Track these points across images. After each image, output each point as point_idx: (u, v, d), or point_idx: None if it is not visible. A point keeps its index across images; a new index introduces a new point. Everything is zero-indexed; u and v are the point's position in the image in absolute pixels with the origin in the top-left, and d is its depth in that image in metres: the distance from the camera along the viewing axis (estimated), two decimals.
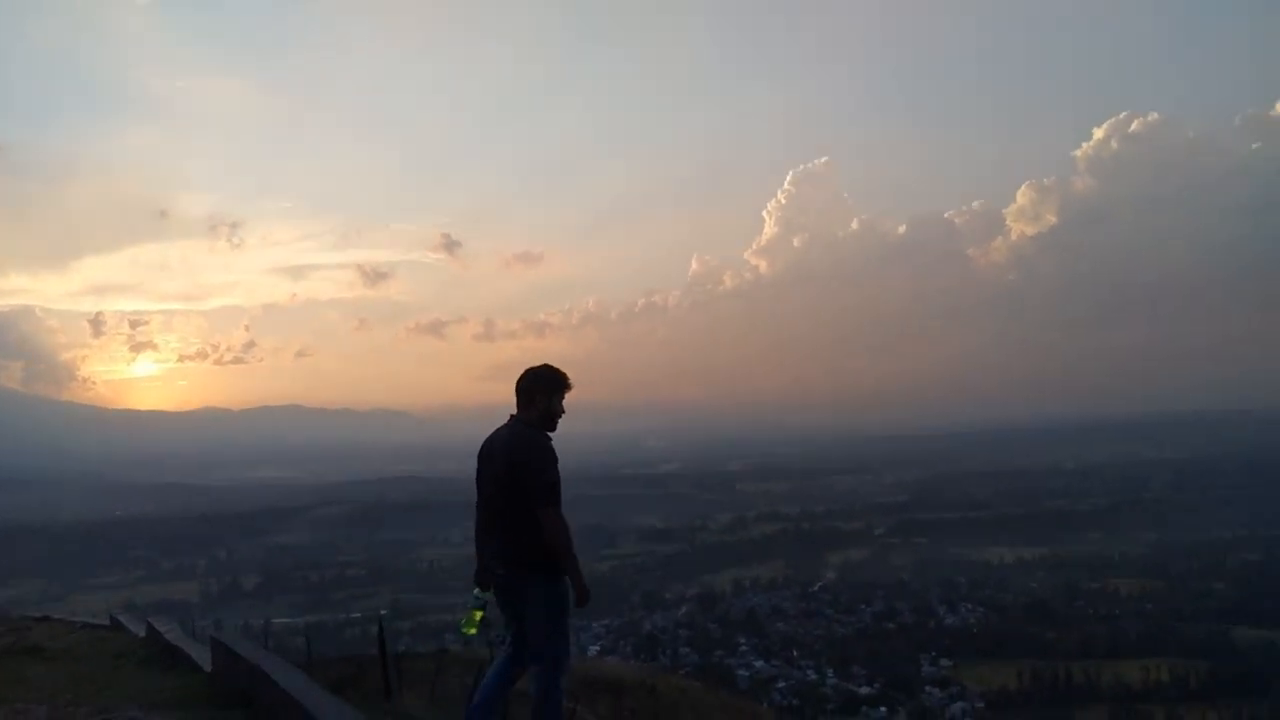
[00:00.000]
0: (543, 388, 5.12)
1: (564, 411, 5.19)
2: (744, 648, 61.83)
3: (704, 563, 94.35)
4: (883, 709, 50.20)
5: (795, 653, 60.22)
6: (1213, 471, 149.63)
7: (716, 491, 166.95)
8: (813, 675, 55.80)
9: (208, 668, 9.45)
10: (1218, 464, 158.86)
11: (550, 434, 5.10)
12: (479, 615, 5.04)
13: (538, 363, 5.17)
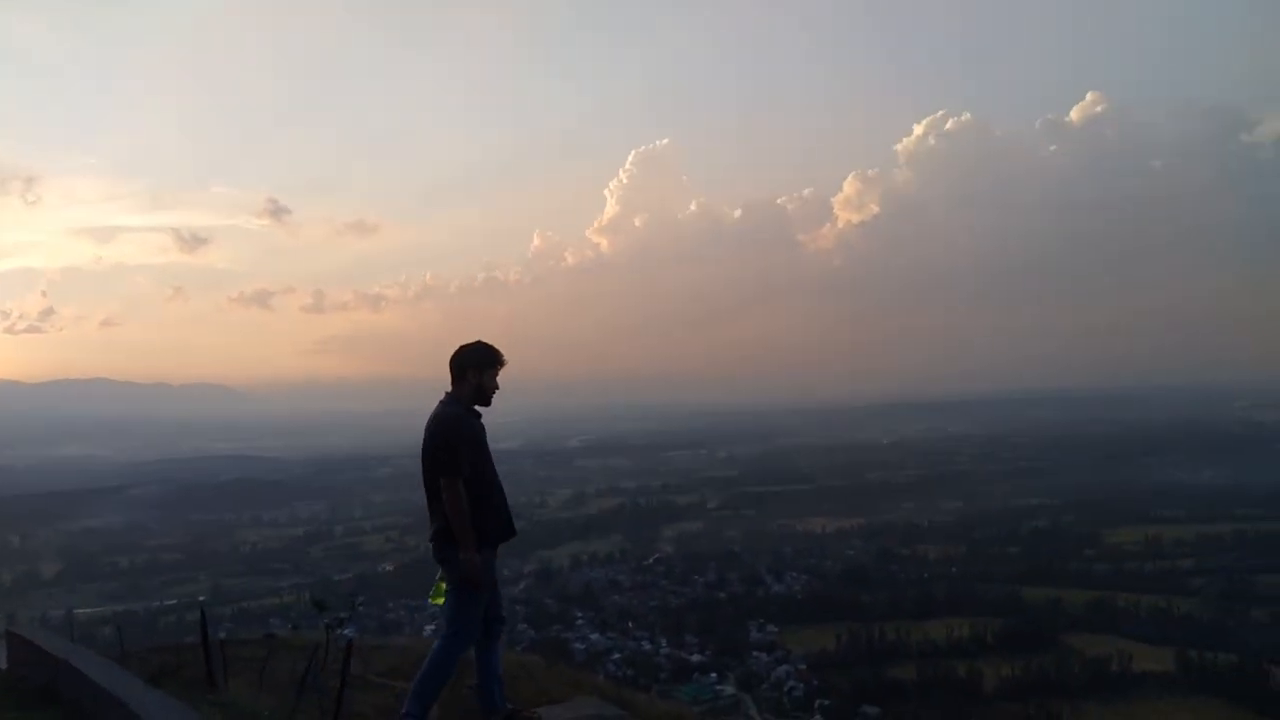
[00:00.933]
0: (473, 364, 5.22)
1: (497, 387, 5.32)
2: (581, 621, 62.58)
3: (542, 539, 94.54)
4: (713, 675, 52.16)
5: (630, 624, 61.49)
6: (1013, 446, 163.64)
7: (556, 468, 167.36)
8: (647, 645, 57.20)
9: (1, 665, 8.73)
10: (1017, 439, 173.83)
11: (483, 408, 5.31)
12: (443, 586, 5.32)
13: (468, 339, 5.30)
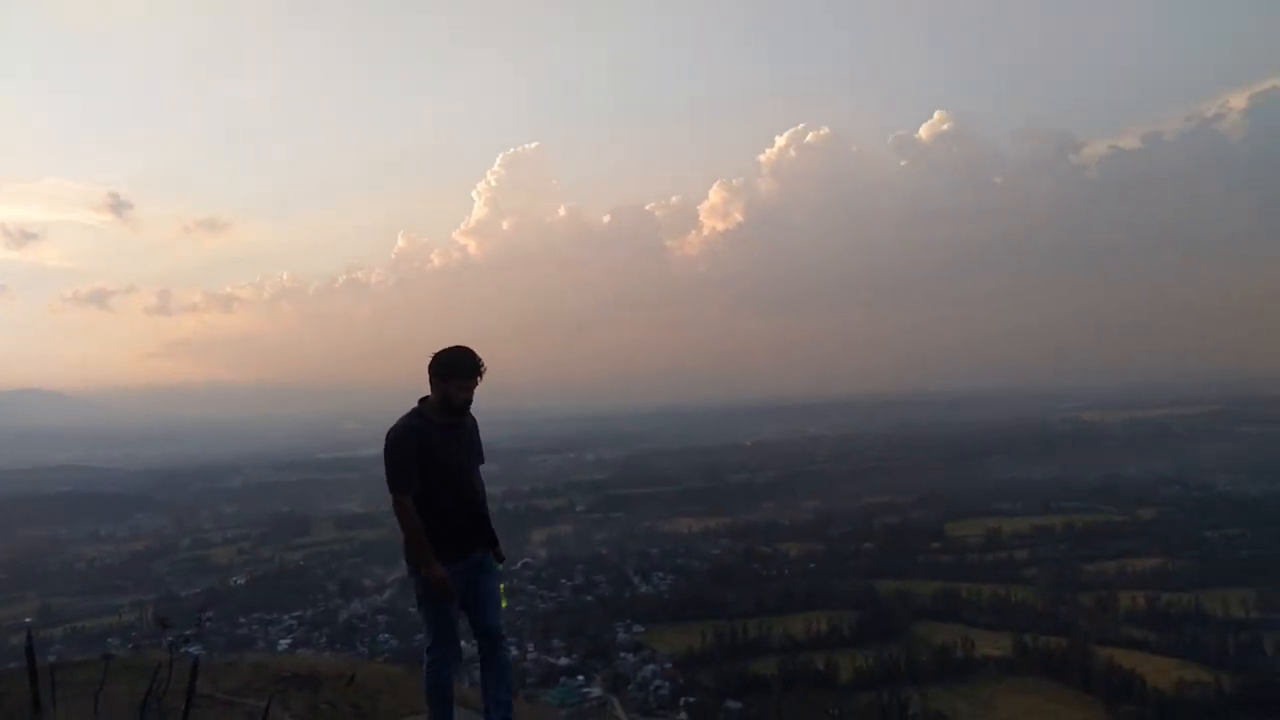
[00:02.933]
0: (435, 373, 5.10)
1: (466, 398, 5.14)
2: None
3: None
4: (580, 677, 52.16)
5: None
6: (866, 446, 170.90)
7: None
8: (515, 651, 56.62)
9: None
10: (869, 440, 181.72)
11: (453, 418, 5.16)
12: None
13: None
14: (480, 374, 5.11)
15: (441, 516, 5.13)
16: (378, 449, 5.23)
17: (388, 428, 5.12)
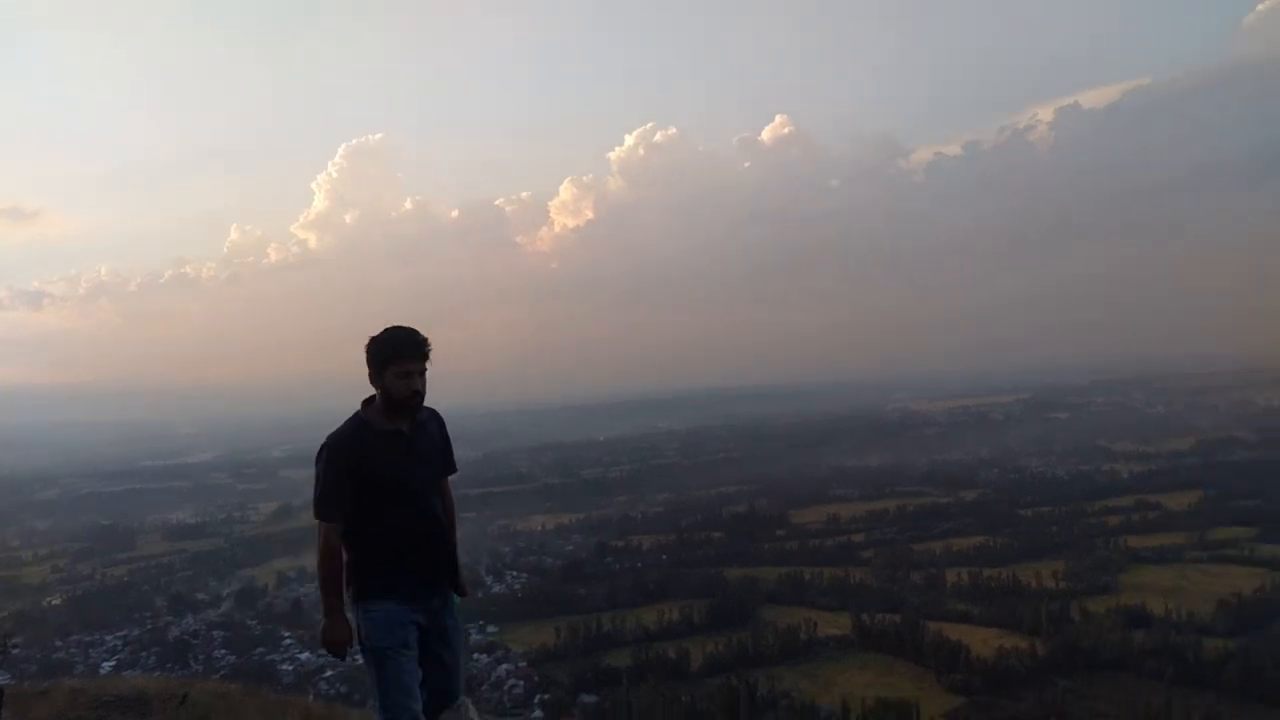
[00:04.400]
0: (371, 362, 4.14)
1: (411, 389, 4.12)
2: (288, 641, 58.76)
3: (243, 557, 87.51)
4: None
5: None
6: (713, 439, 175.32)
7: (258, 480, 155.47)
8: (360, 660, 54.81)
9: None
10: (717, 432, 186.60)
11: (401, 419, 4.18)
12: None
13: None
14: (425, 355, 4.13)
15: (392, 547, 4.15)
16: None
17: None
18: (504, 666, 52.95)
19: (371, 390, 4.21)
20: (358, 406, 4.27)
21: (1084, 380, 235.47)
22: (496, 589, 70.44)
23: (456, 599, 4.45)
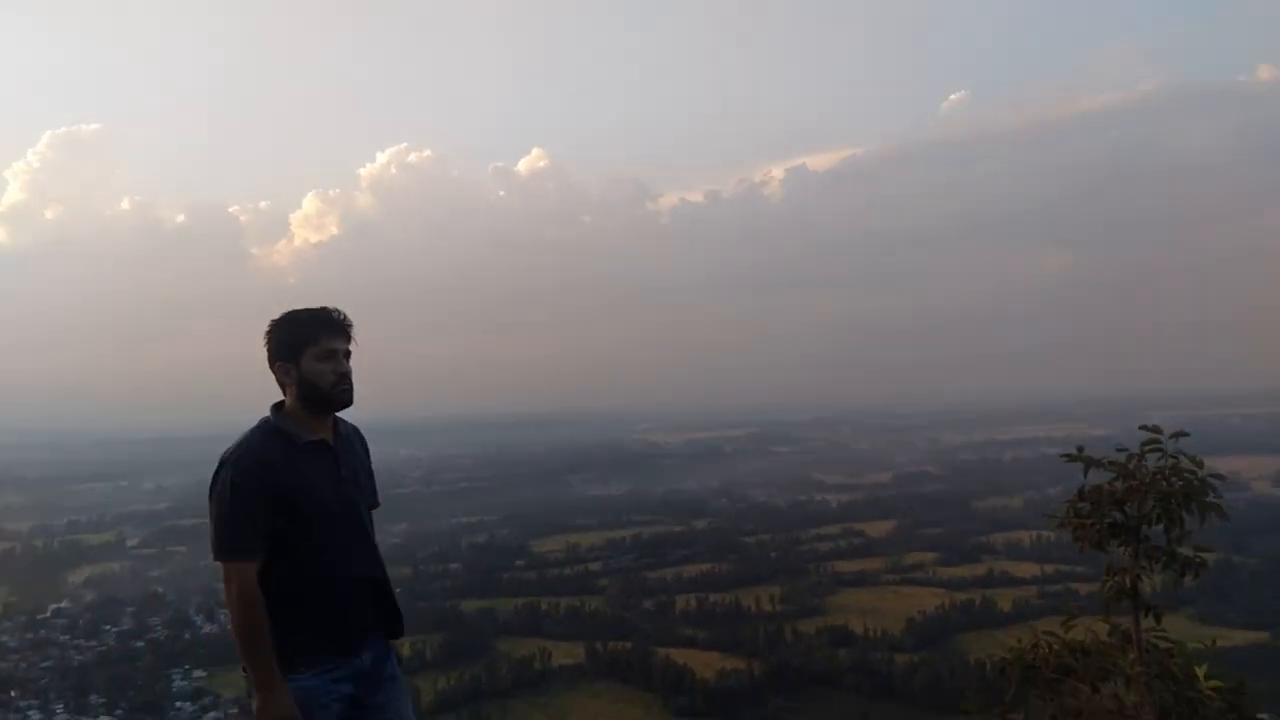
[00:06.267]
0: (283, 347, 3.19)
1: (341, 373, 3.22)
2: None
3: None
4: None
5: (14, 693, 51.14)
6: (456, 467, 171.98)
7: None
8: (37, 715, 48.11)
9: None
10: (460, 460, 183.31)
11: (323, 421, 3.27)
12: None
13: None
14: (349, 333, 3.27)
15: (319, 592, 3.19)
16: None
17: (221, 461, 3.18)
18: (212, 715, 48.49)
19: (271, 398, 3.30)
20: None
21: (805, 417, 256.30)
22: (207, 630, 64.39)
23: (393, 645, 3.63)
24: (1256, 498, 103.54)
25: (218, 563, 3.12)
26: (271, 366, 3.23)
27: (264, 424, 3.21)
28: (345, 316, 3.24)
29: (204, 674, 54.60)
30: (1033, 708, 3.82)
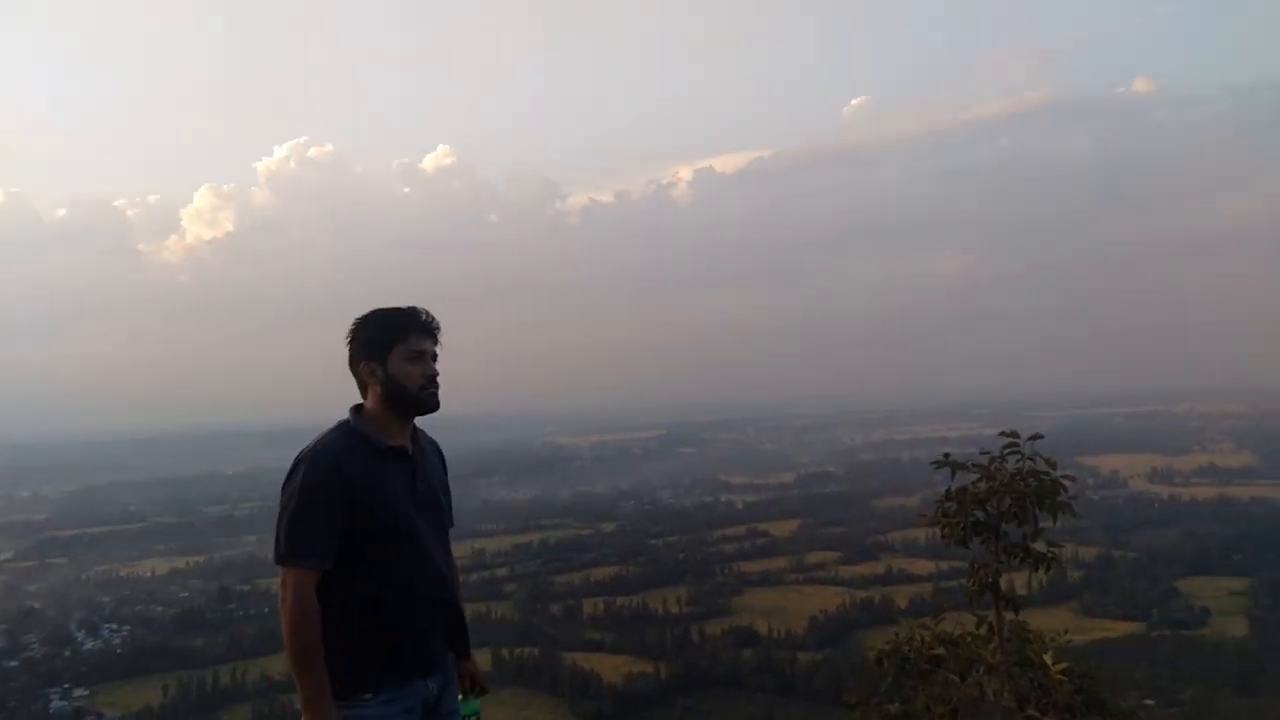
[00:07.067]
0: (366, 353, 3.00)
1: (432, 375, 3.04)
2: None
3: None
4: None
5: None
6: None
7: None
8: None
9: None
10: None
11: (404, 428, 3.07)
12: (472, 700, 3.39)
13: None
14: (437, 335, 3.09)
15: (390, 609, 2.93)
16: None
17: (296, 461, 2.95)
18: None
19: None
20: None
21: (712, 418, 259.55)
22: (89, 646, 61.37)
23: (474, 691, 3.47)
24: (1135, 494, 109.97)
25: (277, 566, 2.85)
26: (354, 366, 3.04)
27: (343, 425, 3.00)
28: (433, 318, 3.06)
29: (86, 692, 52.13)
30: (907, 697, 4.07)
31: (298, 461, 2.90)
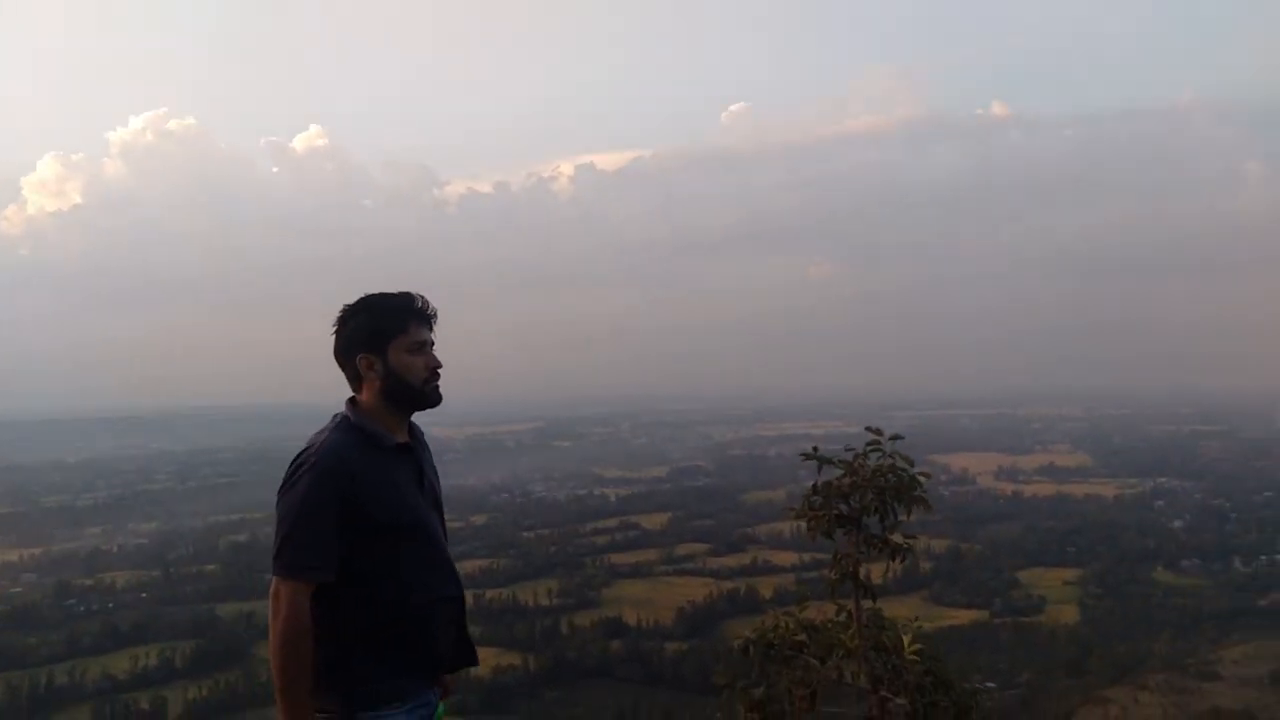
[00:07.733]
0: (364, 342, 2.72)
1: (432, 366, 2.77)
2: None
3: None
4: None
5: None
6: (214, 462, 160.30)
7: None
8: None
9: None
10: (221, 454, 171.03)
11: (404, 423, 2.81)
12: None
13: None
14: (434, 323, 2.86)
15: (408, 614, 2.71)
16: None
17: (295, 461, 2.66)
18: None
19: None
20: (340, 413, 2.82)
21: (588, 412, 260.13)
22: None
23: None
24: (982, 490, 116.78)
25: (273, 576, 2.59)
26: (345, 357, 2.79)
27: (344, 422, 2.74)
28: (429, 304, 2.83)
29: None
30: (772, 681, 4.24)
31: (298, 467, 2.65)
